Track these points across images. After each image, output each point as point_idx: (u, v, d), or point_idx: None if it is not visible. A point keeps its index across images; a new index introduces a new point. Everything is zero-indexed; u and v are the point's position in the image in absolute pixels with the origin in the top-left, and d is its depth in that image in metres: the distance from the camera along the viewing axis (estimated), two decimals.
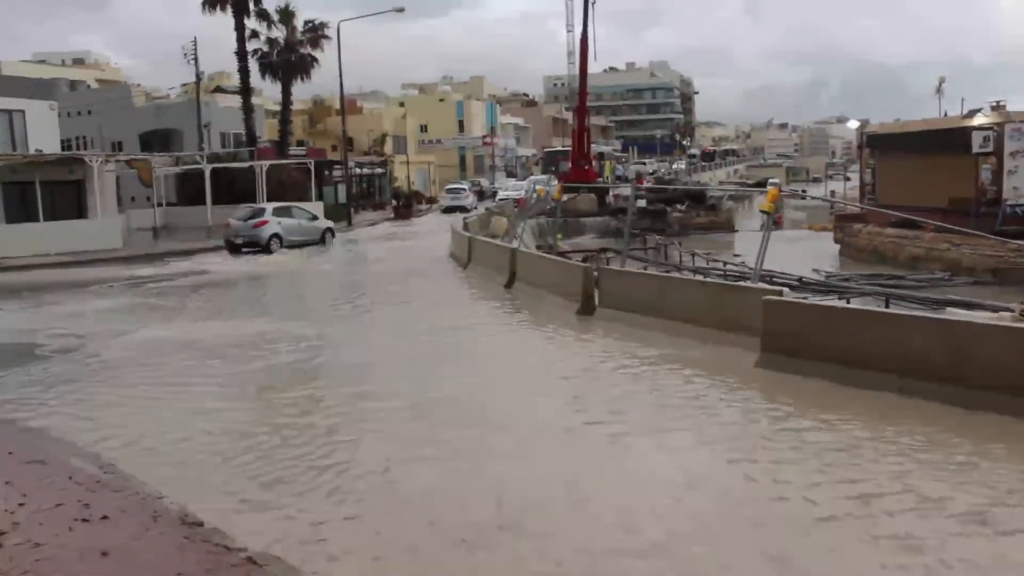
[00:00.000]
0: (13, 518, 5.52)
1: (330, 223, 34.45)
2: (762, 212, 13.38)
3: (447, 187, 59.08)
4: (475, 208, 45.53)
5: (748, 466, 6.82)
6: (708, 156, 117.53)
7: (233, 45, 45.19)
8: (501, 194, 53.59)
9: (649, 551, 5.42)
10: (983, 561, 5.15)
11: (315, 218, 33.62)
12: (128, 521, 5.52)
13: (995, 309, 14.16)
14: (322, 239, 31.93)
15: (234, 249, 29.27)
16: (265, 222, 29.62)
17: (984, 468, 6.55)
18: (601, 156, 72.14)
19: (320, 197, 44.00)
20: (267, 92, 63.45)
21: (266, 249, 28.85)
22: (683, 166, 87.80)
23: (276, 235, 29.58)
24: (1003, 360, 7.66)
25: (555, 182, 52.61)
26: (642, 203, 41.37)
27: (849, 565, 5.23)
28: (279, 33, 47.79)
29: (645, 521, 5.87)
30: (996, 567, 5.10)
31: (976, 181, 27.80)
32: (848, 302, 15.97)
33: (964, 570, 5.07)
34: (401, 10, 43.50)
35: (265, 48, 47.49)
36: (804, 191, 58.66)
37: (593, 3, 47.14)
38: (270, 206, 32.01)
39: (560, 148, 78.13)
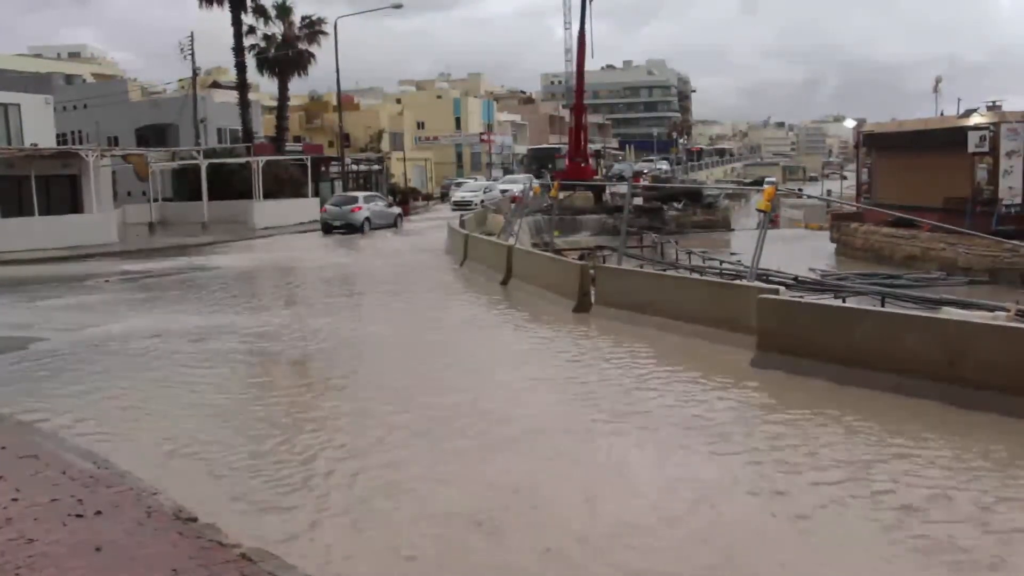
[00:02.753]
0: (6, 513, 5.51)
1: (399, 210, 39.76)
2: (759, 211, 13.41)
3: (456, 182, 60.15)
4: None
5: (741, 465, 6.82)
6: (695, 155, 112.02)
7: (230, 40, 45.28)
8: (456, 195, 48.74)
9: (630, 547, 5.42)
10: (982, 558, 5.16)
11: (391, 205, 39.47)
12: (122, 517, 5.51)
13: (990, 308, 14.20)
14: (395, 223, 37.23)
15: (328, 230, 34.49)
16: (360, 208, 35.08)
17: (974, 467, 6.56)
18: (598, 155, 71.29)
19: (316, 193, 44.03)
20: (264, 88, 63.57)
21: (359, 230, 34.02)
22: (666, 166, 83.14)
23: (368, 218, 34.93)
24: (997, 359, 7.67)
25: (535, 182, 52.10)
26: (639, 201, 41.39)
27: (850, 566, 5.23)
28: (276, 29, 47.82)
29: (632, 518, 5.87)
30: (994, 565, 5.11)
31: (972, 181, 27.86)
32: (844, 301, 15.98)
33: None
34: (399, 6, 43.54)
35: (262, 44, 47.49)
36: (801, 190, 58.75)
37: (591, 1, 47.12)
38: (361, 195, 37.97)
39: (547, 146, 74.24)
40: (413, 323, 14.21)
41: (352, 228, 34.30)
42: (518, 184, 50.61)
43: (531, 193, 31.85)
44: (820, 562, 5.25)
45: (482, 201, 43.78)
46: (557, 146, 71.42)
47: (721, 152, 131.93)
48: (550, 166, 57.04)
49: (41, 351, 12.27)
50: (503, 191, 47.47)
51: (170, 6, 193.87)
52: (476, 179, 62.87)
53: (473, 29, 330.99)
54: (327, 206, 36.19)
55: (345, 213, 34.84)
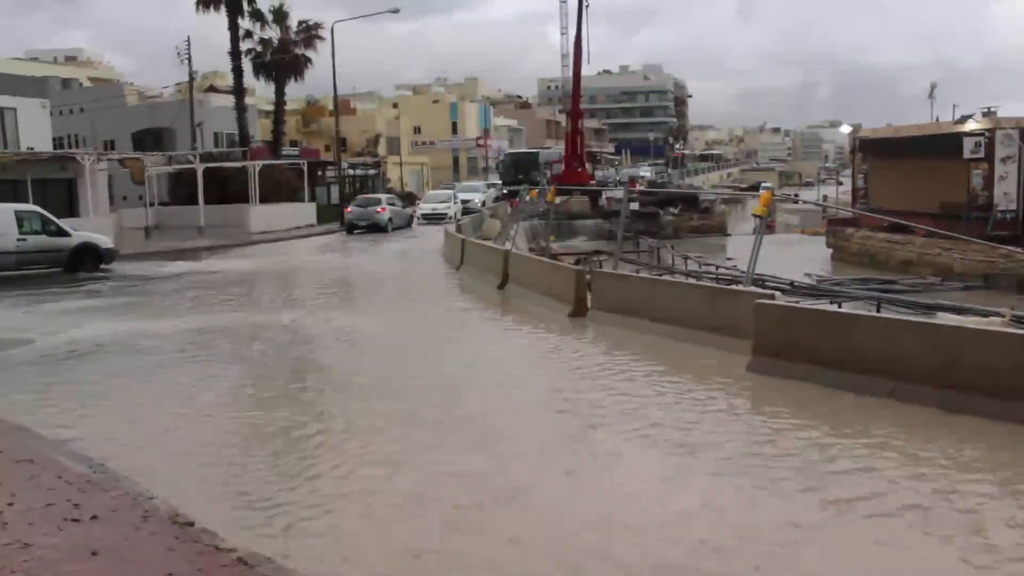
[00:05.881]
0: (2, 518, 5.50)
1: (412, 211, 42.14)
2: (755, 216, 13.44)
3: (464, 185, 58.40)
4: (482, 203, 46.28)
5: (736, 469, 6.83)
6: (677, 160, 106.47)
7: (226, 44, 45.22)
8: (424, 207, 43.70)
9: (617, 552, 5.43)
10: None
11: (406, 207, 41.95)
12: (118, 521, 5.50)
13: (985, 314, 14.21)
14: (409, 223, 39.92)
15: (352, 230, 36.86)
16: (384, 209, 37.63)
17: (970, 471, 6.58)
18: (593, 159, 70.31)
19: (313, 198, 43.98)
20: (260, 92, 63.43)
21: (384, 229, 36.46)
22: (649, 173, 79.73)
23: (390, 219, 37.48)
24: (992, 364, 7.71)
25: (491, 191, 50.74)
26: (635, 206, 41.37)
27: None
28: (273, 33, 47.82)
29: (619, 523, 5.87)
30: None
31: (967, 186, 27.94)
32: (840, 306, 16.00)
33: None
34: (396, 11, 43.50)
35: (259, 48, 47.47)
36: (797, 195, 58.83)
37: (587, 6, 47.23)
38: (384, 197, 40.83)
39: (527, 151, 68.32)
40: (409, 328, 14.21)
41: (377, 227, 36.65)
42: (477, 193, 48.62)
43: (527, 197, 31.76)
44: (824, 566, 5.26)
45: (456, 213, 40.14)
46: (537, 150, 65.17)
47: (707, 157, 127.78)
48: (548, 172, 53.65)
49: (25, 353, 12.30)
50: (464, 202, 43.85)
51: (164, 10, 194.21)
52: (445, 186, 55.30)
53: (469, 34, 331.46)
54: (351, 207, 38.50)
55: (371, 214, 37.23)
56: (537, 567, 5.27)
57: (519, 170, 54.61)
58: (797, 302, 13.06)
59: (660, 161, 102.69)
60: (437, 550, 5.51)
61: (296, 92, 60.50)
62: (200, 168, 38.49)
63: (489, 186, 53.75)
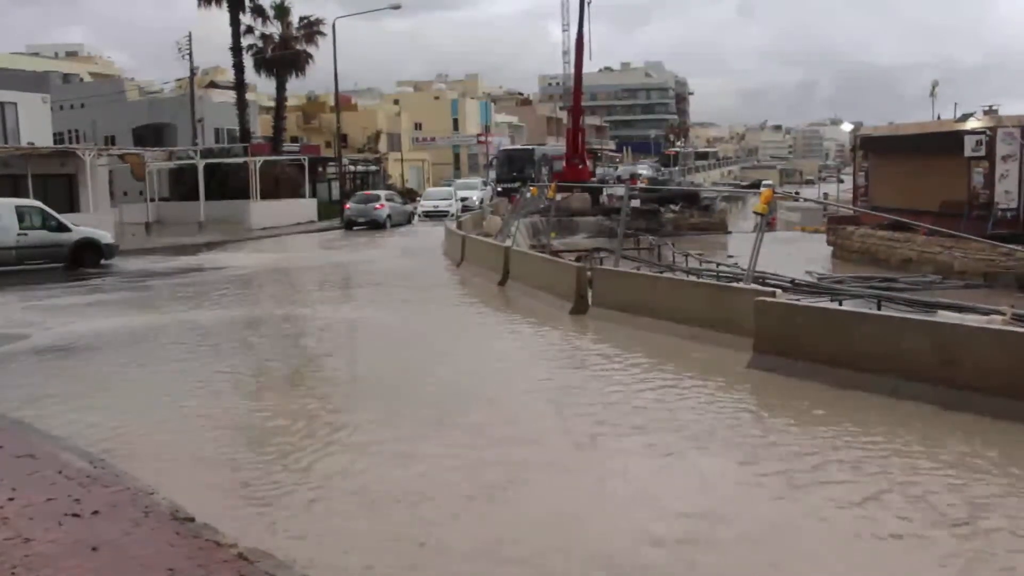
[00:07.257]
0: (2, 513, 5.50)
1: (412, 207, 42.78)
2: (756, 213, 13.43)
3: (461, 183, 57.91)
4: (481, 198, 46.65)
5: (735, 467, 6.83)
6: (671, 159, 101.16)
7: (226, 40, 45.19)
8: (426, 204, 43.47)
9: (611, 555, 5.43)
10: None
11: (405, 203, 42.53)
12: (119, 516, 5.50)
13: (986, 312, 14.21)
14: (409, 219, 40.25)
15: (351, 226, 37.10)
16: (383, 206, 37.87)
17: (968, 470, 6.58)
18: (595, 156, 69.86)
19: (314, 194, 43.97)
20: (261, 88, 63.41)
21: (382, 226, 36.68)
22: (646, 171, 77.58)
23: (389, 215, 37.73)
24: (992, 362, 7.71)
25: (487, 188, 50.37)
26: (636, 203, 41.28)
27: None
28: (274, 29, 47.77)
29: (625, 524, 5.88)
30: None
31: (968, 185, 27.90)
32: (840, 304, 16.00)
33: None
34: (398, 7, 43.50)
35: (260, 44, 47.43)
36: (797, 193, 58.65)
37: (589, 2, 47.01)
38: (383, 193, 40.96)
39: (521, 147, 66.07)
40: (409, 324, 14.20)
41: (376, 224, 36.65)
42: (475, 191, 48.35)
43: (528, 194, 31.71)
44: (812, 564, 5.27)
45: (457, 211, 39.19)
46: (532, 147, 62.87)
47: (705, 155, 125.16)
48: (545, 168, 52.02)
49: (25, 347, 12.32)
50: (463, 200, 43.31)
51: (161, 5, 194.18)
52: (449, 183, 55.01)
53: (470, 30, 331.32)
54: (349, 204, 38.53)
55: (369, 210, 37.36)
56: (538, 553, 5.28)
57: (514, 167, 53.64)
58: (798, 300, 13.07)
59: (657, 159, 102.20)
60: (439, 539, 5.52)
61: (297, 88, 60.47)
62: (201, 164, 38.49)
63: (485, 183, 53.44)
